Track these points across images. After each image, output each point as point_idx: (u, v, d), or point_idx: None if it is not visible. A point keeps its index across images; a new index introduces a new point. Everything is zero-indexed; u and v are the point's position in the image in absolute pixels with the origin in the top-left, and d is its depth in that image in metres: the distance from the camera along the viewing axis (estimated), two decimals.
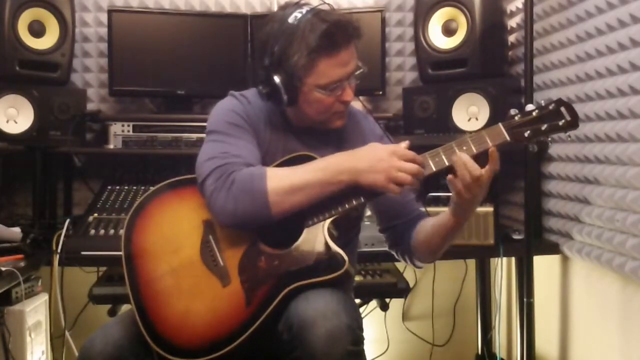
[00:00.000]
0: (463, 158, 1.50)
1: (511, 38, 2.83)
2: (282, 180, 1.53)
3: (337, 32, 1.56)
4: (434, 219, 1.68)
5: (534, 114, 1.54)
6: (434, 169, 1.56)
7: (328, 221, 1.58)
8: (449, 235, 1.64)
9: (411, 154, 1.54)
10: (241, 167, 1.56)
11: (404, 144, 1.56)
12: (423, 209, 1.80)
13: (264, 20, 1.67)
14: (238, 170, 1.54)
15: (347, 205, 1.58)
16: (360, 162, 1.53)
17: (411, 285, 2.70)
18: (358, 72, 1.65)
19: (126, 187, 2.63)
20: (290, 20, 1.58)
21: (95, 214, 2.44)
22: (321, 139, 1.72)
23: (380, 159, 1.52)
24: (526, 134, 1.53)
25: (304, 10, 1.60)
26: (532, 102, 1.58)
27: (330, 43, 1.56)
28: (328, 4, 1.65)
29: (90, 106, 2.88)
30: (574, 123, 1.53)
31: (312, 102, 1.63)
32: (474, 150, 1.53)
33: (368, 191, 1.55)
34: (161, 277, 1.60)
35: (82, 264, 2.38)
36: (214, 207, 1.55)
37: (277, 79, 1.60)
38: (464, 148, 1.54)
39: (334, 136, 1.74)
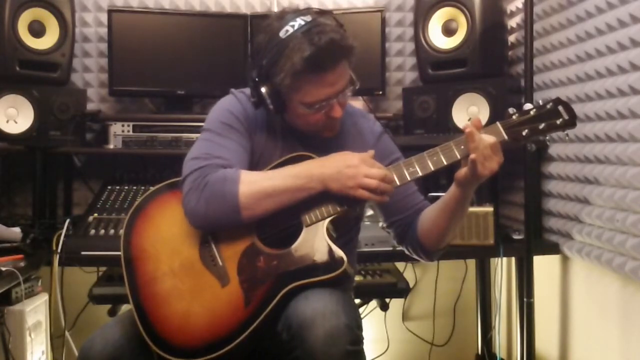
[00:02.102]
0: (474, 133, 1.50)
1: (511, 38, 2.83)
2: (253, 185, 1.54)
3: (324, 56, 1.53)
4: (437, 202, 1.66)
5: (531, 113, 1.54)
6: (432, 169, 1.56)
7: (327, 221, 1.58)
8: (456, 211, 1.62)
9: (380, 169, 1.55)
10: (218, 169, 1.56)
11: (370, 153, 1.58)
12: (426, 201, 1.78)
13: (263, 23, 1.65)
14: (213, 173, 1.55)
15: (346, 205, 1.58)
16: (330, 168, 1.54)
17: (411, 285, 2.70)
18: (349, 88, 1.63)
19: (126, 187, 2.63)
20: (281, 34, 1.56)
21: (95, 214, 2.44)
22: (320, 138, 1.72)
23: (348, 165, 1.53)
24: (524, 133, 1.53)
25: (297, 24, 1.56)
26: (532, 102, 1.57)
27: (316, 66, 1.54)
28: (327, 11, 1.62)
29: (90, 106, 2.88)
30: (571, 122, 1.53)
31: (300, 116, 1.64)
32: None
33: (340, 197, 1.56)
34: (160, 277, 1.60)
35: (82, 264, 2.38)
36: (186, 208, 1.57)
37: (264, 90, 1.60)
38: (462, 147, 1.54)
39: (332, 136, 1.74)
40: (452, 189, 1.60)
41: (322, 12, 1.62)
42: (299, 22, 1.56)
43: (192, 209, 1.56)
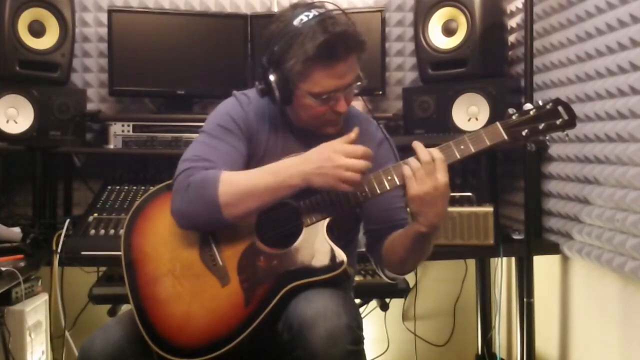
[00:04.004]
0: (415, 144, 1.50)
1: (511, 38, 2.83)
2: (233, 185, 1.53)
3: (337, 44, 1.54)
4: (402, 229, 1.65)
5: (531, 113, 1.54)
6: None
7: (327, 221, 1.58)
8: (412, 245, 1.59)
9: (358, 149, 1.52)
10: (201, 171, 1.56)
11: (354, 134, 1.55)
12: (407, 220, 1.73)
13: (272, 18, 1.66)
14: (196, 174, 1.55)
15: (345, 205, 1.58)
16: (309, 164, 1.52)
17: (411, 285, 2.70)
18: (356, 84, 1.63)
19: (126, 187, 2.63)
20: (295, 22, 1.57)
21: (95, 214, 2.44)
22: (322, 139, 1.71)
23: (326, 159, 1.51)
24: (524, 133, 1.53)
25: (311, 14, 1.57)
26: (532, 102, 1.58)
27: (328, 54, 1.54)
28: (340, 9, 1.62)
29: (90, 106, 2.88)
30: (571, 122, 1.53)
31: (305, 107, 1.63)
32: (472, 149, 1.53)
33: (325, 191, 1.55)
34: (160, 277, 1.60)
35: (82, 264, 2.38)
36: (172, 209, 1.58)
37: (272, 77, 1.60)
38: (462, 147, 1.53)
39: (335, 137, 1.73)
40: (410, 224, 1.59)
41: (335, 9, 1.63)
42: (313, 12, 1.58)
43: (177, 210, 1.57)
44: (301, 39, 1.54)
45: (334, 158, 1.50)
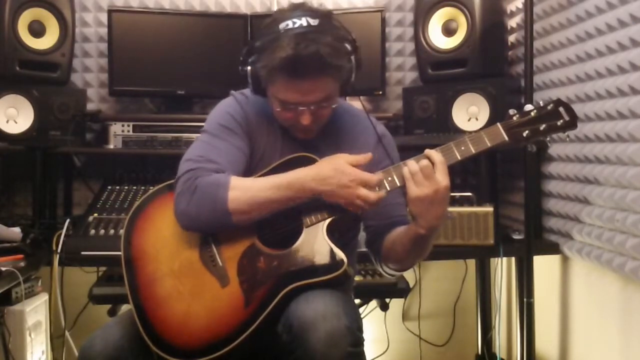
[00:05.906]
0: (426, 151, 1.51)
1: (511, 38, 2.83)
2: (244, 193, 1.54)
3: (301, 64, 1.51)
4: (402, 227, 1.65)
5: (532, 114, 1.54)
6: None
7: (327, 221, 1.57)
8: (411, 246, 1.60)
9: (375, 180, 1.53)
10: (210, 173, 1.56)
11: (364, 159, 1.56)
12: (406, 216, 1.73)
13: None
14: (204, 176, 1.55)
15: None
16: (322, 184, 1.52)
17: (411, 285, 2.70)
18: (327, 102, 1.61)
19: (126, 187, 2.63)
20: (281, 26, 1.56)
21: (95, 214, 2.44)
22: (320, 138, 1.72)
23: (343, 185, 1.51)
24: (525, 134, 1.53)
25: (298, 23, 1.54)
26: (532, 102, 1.58)
27: (290, 70, 1.53)
28: (338, 21, 1.61)
29: (90, 106, 2.88)
30: (572, 123, 1.53)
31: (274, 108, 1.65)
32: (472, 150, 1.53)
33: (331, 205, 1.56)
34: (160, 277, 1.60)
35: (82, 264, 2.38)
36: (176, 210, 1.57)
37: (248, 69, 1.63)
38: (462, 148, 1.53)
39: (333, 136, 1.73)
40: (410, 224, 1.59)
41: (334, 21, 1.61)
42: (303, 21, 1.55)
43: (183, 211, 1.56)
44: (275, 45, 1.54)
45: (351, 186, 1.51)
